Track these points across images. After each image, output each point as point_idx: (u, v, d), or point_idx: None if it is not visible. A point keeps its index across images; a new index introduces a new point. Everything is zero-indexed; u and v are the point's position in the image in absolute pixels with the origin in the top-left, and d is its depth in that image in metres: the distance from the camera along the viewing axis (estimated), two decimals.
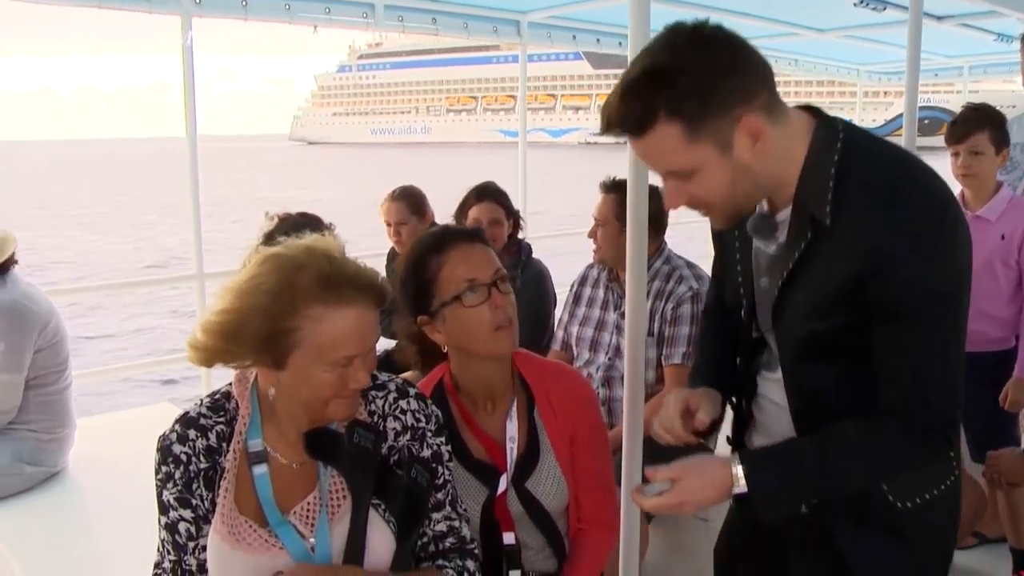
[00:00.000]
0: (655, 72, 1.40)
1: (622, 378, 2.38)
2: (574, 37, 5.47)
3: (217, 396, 1.77)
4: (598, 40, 5.56)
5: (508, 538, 2.00)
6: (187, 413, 1.74)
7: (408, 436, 1.77)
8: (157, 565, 1.71)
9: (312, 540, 1.66)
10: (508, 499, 2.01)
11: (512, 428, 2.04)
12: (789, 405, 1.67)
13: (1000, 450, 3.06)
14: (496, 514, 2.00)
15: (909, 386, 1.48)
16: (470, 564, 1.81)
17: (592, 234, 3.39)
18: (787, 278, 1.56)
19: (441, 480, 1.80)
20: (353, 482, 1.69)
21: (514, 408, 2.06)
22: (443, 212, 3.93)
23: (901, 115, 3.18)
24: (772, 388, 1.74)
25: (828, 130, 1.52)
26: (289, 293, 1.58)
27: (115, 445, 3.64)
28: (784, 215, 1.58)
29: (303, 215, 2.87)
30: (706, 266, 2.71)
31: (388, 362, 3.87)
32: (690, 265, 3.35)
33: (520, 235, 3.99)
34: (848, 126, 1.54)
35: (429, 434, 1.79)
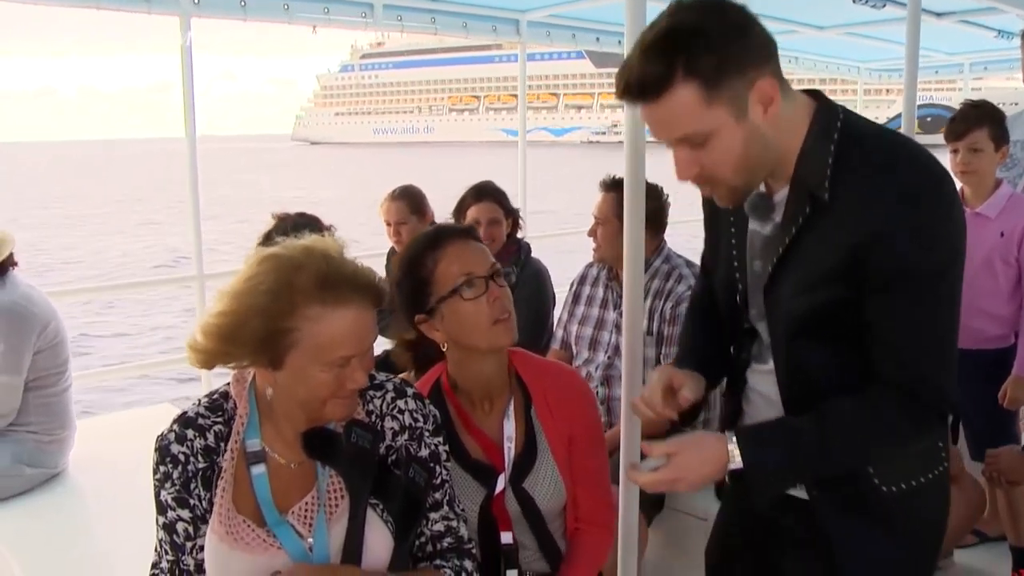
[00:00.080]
0: (672, 33, 1.42)
1: (621, 377, 2.38)
2: (573, 36, 5.47)
3: (215, 396, 1.77)
4: (597, 39, 5.55)
5: (506, 538, 2.00)
6: (185, 413, 1.74)
7: (406, 436, 1.77)
8: (155, 565, 1.71)
9: (310, 540, 1.66)
10: (506, 499, 2.01)
11: (509, 428, 2.05)
12: (780, 393, 1.68)
13: (999, 448, 3.05)
14: (494, 514, 2.00)
15: (906, 359, 1.50)
16: (468, 564, 1.80)
17: (592, 232, 3.39)
18: (783, 254, 1.57)
19: (439, 480, 1.80)
20: (351, 482, 1.69)
21: (511, 408, 2.07)
22: (445, 211, 3.93)
23: None
24: (761, 381, 1.74)
25: (829, 112, 1.56)
26: (287, 293, 1.58)
27: (115, 446, 3.64)
28: (781, 196, 1.60)
29: (302, 215, 2.88)
30: None
31: (387, 363, 3.87)
32: (690, 264, 3.34)
33: (519, 234, 3.99)
34: (847, 111, 1.57)
35: (427, 434, 1.80)
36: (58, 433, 3.38)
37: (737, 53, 1.43)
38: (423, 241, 2.03)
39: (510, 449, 2.03)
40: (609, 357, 3.35)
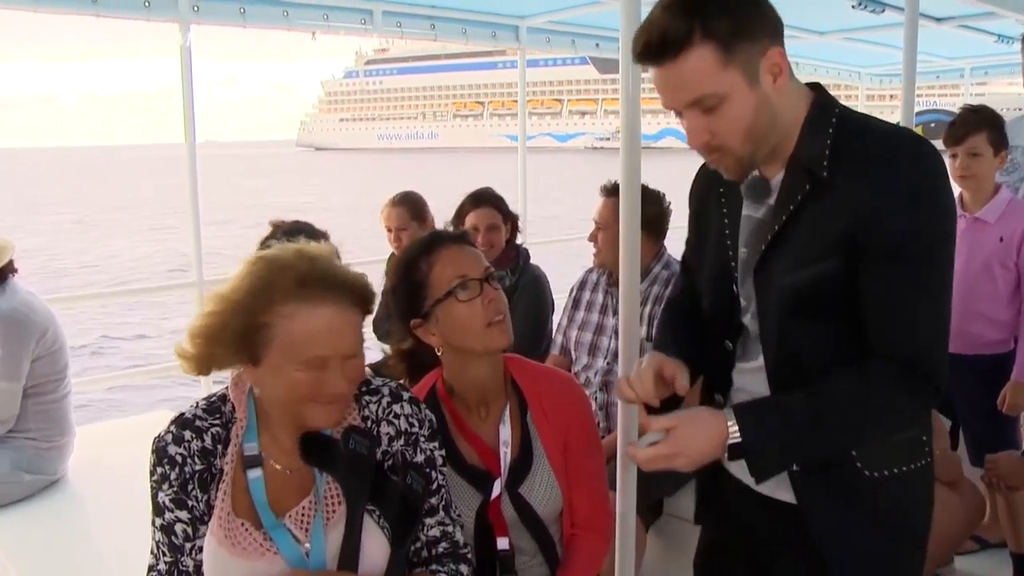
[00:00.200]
0: None
1: None
2: (573, 42, 5.48)
3: (213, 399, 1.77)
4: (597, 44, 5.56)
5: (502, 543, 2.00)
6: (183, 414, 1.74)
7: (401, 441, 1.77)
8: (151, 568, 1.69)
9: (307, 545, 1.66)
10: (502, 504, 2.01)
11: (505, 433, 2.05)
12: (769, 386, 1.68)
13: (999, 453, 3.05)
14: (490, 519, 2.00)
15: (903, 331, 1.52)
16: (464, 569, 1.80)
17: (592, 238, 3.40)
18: (779, 231, 1.60)
19: (435, 485, 1.80)
20: (348, 488, 1.69)
21: (507, 413, 2.07)
22: (448, 217, 3.94)
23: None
24: (748, 379, 1.73)
25: (826, 101, 1.63)
26: (266, 290, 1.60)
27: (114, 453, 3.64)
28: (776, 180, 1.64)
29: (296, 222, 2.89)
30: None
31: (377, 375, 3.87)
32: None
33: (518, 240, 3.99)
34: (843, 105, 1.64)
35: (422, 439, 1.79)
36: (57, 440, 3.38)
37: (751, 20, 1.50)
38: (418, 246, 2.05)
39: (506, 454, 2.03)
40: (608, 363, 3.35)
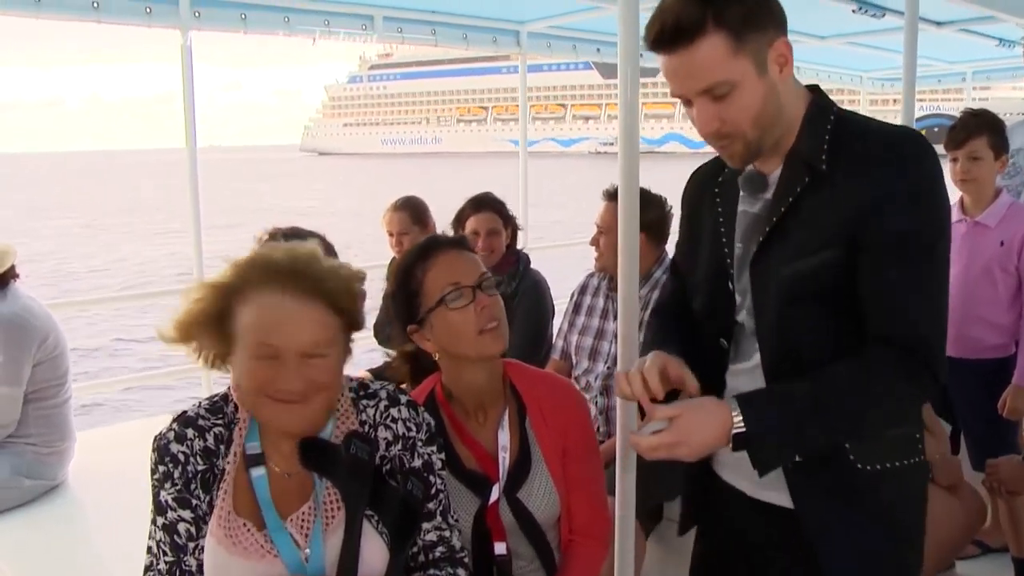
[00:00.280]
0: None
1: None
2: (574, 47, 5.48)
3: (216, 399, 1.76)
4: (598, 49, 5.56)
5: (499, 548, 2.00)
6: (185, 412, 1.73)
7: (399, 446, 1.76)
8: (149, 568, 1.67)
9: (307, 551, 1.65)
10: (500, 509, 2.01)
11: (504, 438, 2.04)
12: (766, 382, 1.68)
13: (999, 458, 3.04)
14: (488, 524, 1.99)
15: (903, 318, 1.54)
16: (461, 573, 1.79)
17: (594, 242, 3.40)
18: (776, 223, 1.63)
19: (433, 490, 1.79)
20: (348, 494, 1.68)
21: (506, 418, 2.06)
22: (450, 222, 3.94)
23: (917, 119, 3.19)
24: (741, 381, 1.73)
25: (824, 100, 1.68)
26: (237, 277, 1.62)
27: (115, 458, 3.64)
28: (774, 175, 1.68)
29: (292, 228, 2.90)
30: None
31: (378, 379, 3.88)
32: None
33: (518, 245, 3.99)
34: (839, 107, 1.69)
35: (420, 443, 1.78)
36: (57, 445, 3.39)
37: (760, 9, 1.55)
38: (414, 253, 2.05)
39: (505, 459, 2.03)
40: (609, 367, 3.34)
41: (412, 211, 4.19)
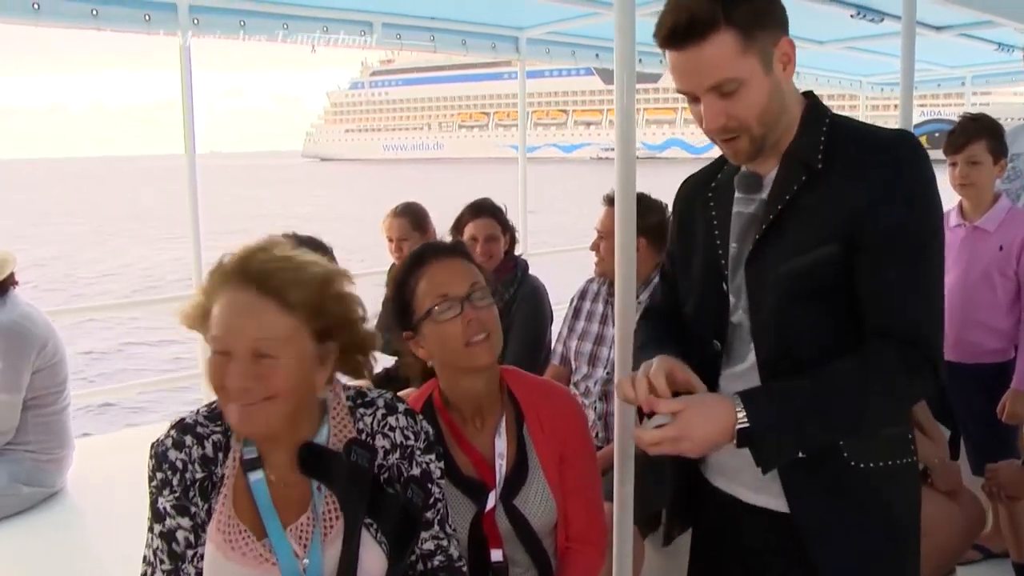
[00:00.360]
0: None
1: None
2: (573, 53, 5.48)
3: (214, 405, 1.73)
4: (597, 55, 5.56)
5: (496, 555, 1.99)
6: (183, 419, 1.72)
7: (397, 455, 1.75)
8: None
9: (305, 561, 1.64)
10: (496, 516, 2.00)
11: (501, 445, 2.04)
12: (762, 382, 1.68)
13: (999, 463, 3.04)
14: (484, 531, 1.99)
15: (902, 311, 1.56)
16: None
17: (595, 247, 3.39)
18: (773, 221, 1.64)
19: (431, 499, 1.78)
20: (347, 502, 1.67)
21: (503, 425, 2.06)
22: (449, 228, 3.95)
23: (916, 125, 3.19)
24: (735, 385, 1.71)
25: (819, 105, 1.73)
26: (213, 274, 1.64)
27: (113, 465, 3.64)
28: (769, 176, 1.70)
29: (297, 236, 2.90)
30: None
31: (388, 380, 3.87)
32: None
33: (517, 251, 3.99)
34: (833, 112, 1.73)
35: (418, 452, 1.77)
36: (56, 452, 3.38)
37: (768, 8, 1.59)
38: (409, 261, 2.06)
39: (502, 466, 2.03)
40: (608, 373, 3.34)
41: (412, 217, 4.20)
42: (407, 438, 1.76)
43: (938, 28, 4.97)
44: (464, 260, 2.04)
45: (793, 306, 1.63)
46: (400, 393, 2.47)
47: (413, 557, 1.76)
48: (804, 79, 6.93)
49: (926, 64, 6.68)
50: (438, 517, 1.79)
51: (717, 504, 1.86)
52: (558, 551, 2.09)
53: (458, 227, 3.80)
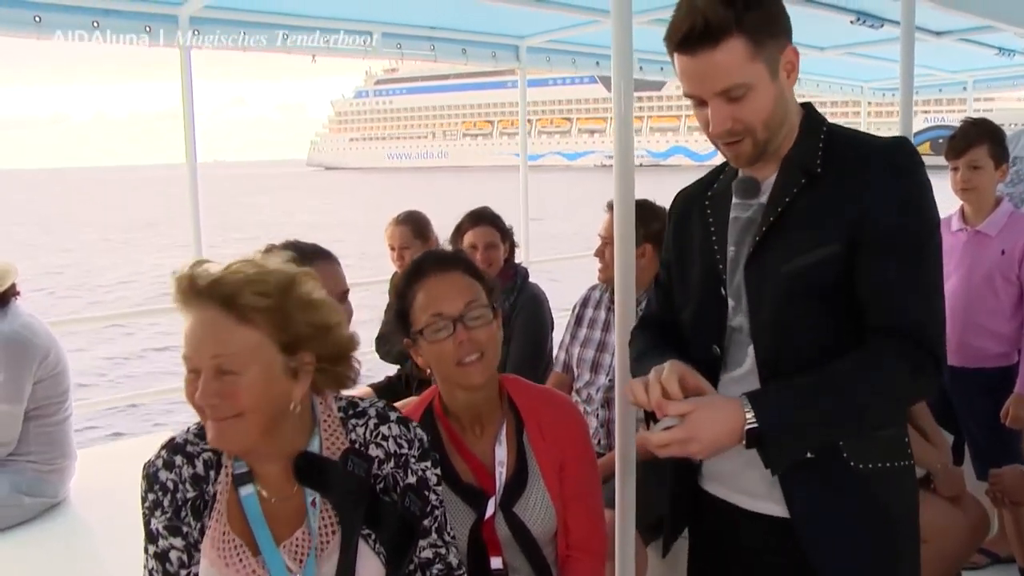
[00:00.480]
0: None
1: None
2: (574, 61, 5.49)
3: None
4: (597, 63, 5.57)
5: (495, 562, 1.99)
6: (173, 439, 1.72)
7: (392, 464, 1.73)
8: None
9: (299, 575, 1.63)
10: (496, 523, 2.00)
11: (501, 452, 2.04)
12: (761, 384, 1.68)
13: (1003, 468, 3.03)
14: (484, 538, 1.99)
15: (904, 308, 1.58)
16: None
17: (599, 253, 3.39)
18: (773, 223, 1.67)
19: (429, 507, 1.77)
20: (343, 513, 1.65)
21: (504, 432, 2.06)
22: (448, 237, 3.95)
23: (919, 132, 3.19)
24: (734, 390, 1.71)
25: (816, 114, 1.76)
26: (174, 293, 1.62)
27: (116, 475, 3.62)
28: (768, 182, 1.73)
29: (312, 245, 2.89)
30: None
31: (389, 388, 3.88)
32: None
33: (520, 258, 4.00)
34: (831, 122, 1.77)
35: (413, 460, 1.75)
36: (58, 462, 3.38)
37: (776, 16, 1.62)
38: (409, 271, 2.06)
39: (502, 474, 2.02)
40: (610, 380, 3.34)
41: (414, 225, 4.21)
42: (400, 447, 1.74)
43: (938, 33, 4.98)
44: (464, 274, 2.02)
45: (793, 306, 1.65)
46: (402, 402, 2.49)
47: (412, 566, 1.75)
48: (806, 85, 6.94)
49: (927, 69, 6.69)
50: (436, 525, 1.78)
51: (716, 510, 1.86)
52: (559, 559, 2.09)
53: (458, 235, 3.80)
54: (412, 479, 1.74)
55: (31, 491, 3.28)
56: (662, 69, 5.47)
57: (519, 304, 3.75)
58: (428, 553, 1.77)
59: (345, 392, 1.82)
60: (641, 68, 5.41)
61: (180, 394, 1.66)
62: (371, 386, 3.90)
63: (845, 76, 7.19)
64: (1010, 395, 3.26)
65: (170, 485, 1.66)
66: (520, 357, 3.60)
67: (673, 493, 1.97)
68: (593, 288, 3.59)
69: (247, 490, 1.67)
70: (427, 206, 4.49)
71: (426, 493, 1.76)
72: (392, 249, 4.22)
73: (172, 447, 1.70)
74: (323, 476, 1.67)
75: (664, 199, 3.23)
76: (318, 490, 1.67)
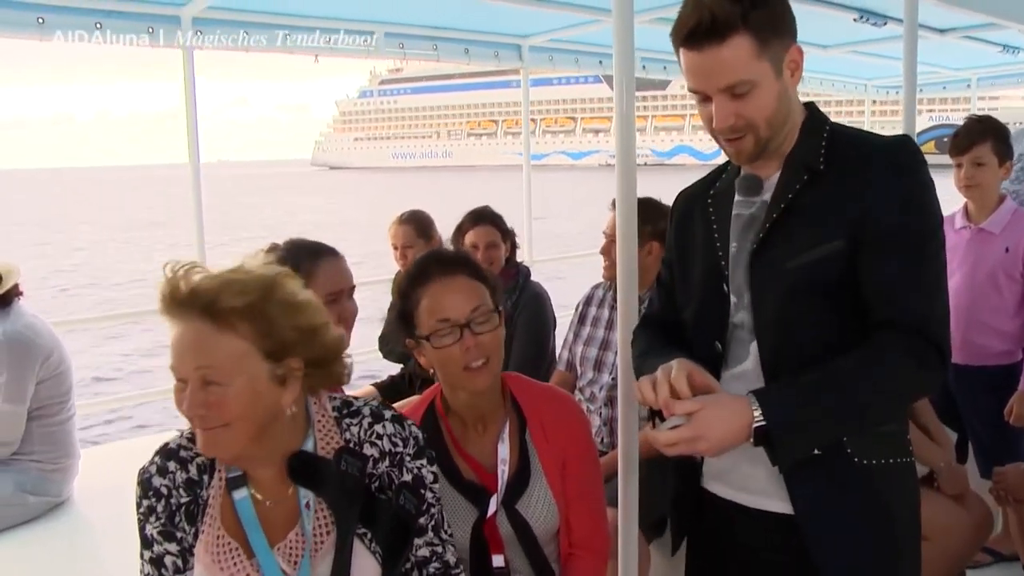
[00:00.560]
0: None
1: None
2: (576, 60, 5.49)
3: None
4: (600, 62, 5.57)
5: (497, 560, 1.99)
6: (167, 444, 1.72)
7: (386, 463, 1.72)
8: None
9: None
10: (498, 520, 2.00)
11: (504, 450, 2.04)
12: (765, 380, 1.69)
13: (1007, 466, 3.02)
14: (485, 535, 1.99)
15: (908, 302, 1.59)
16: None
17: (604, 251, 3.39)
18: (776, 219, 1.68)
19: (425, 505, 1.76)
20: (338, 512, 1.65)
21: (506, 430, 2.06)
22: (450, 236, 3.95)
23: (924, 131, 3.19)
24: (735, 387, 1.71)
25: (819, 113, 1.77)
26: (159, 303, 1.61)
27: (120, 475, 3.63)
28: (771, 180, 1.74)
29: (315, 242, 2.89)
30: None
31: (393, 387, 3.88)
32: None
33: (521, 257, 4.00)
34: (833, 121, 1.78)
35: (408, 458, 1.74)
36: (62, 462, 3.39)
37: (782, 15, 1.63)
38: (412, 272, 2.04)
39: (504, 472, 2.02)
40: (614, 378, 3.33)
41: (417, 224, 4.20)
42: (395, 445, 1.74)
43: (942, 31, 4.97)
44: (469, 277, 2.00)
45: (796, 303, 1.65)
46: (404, 400, 2.49)
47: (408, 565, 1.74)
48: (810, 83, 6.93)
49: (931, 67, 6.67)
50: (432, 523, 1.77)
51: (714, 508, 1.86)
52: (561, 557, 2.09)
53: (458, 235, 3.80)
54: (407, 477, 1.73)
55: (35, 490, 3.29)
56: (665, 68, 5.47)
57: (521, 303, 3.75)
58: (425, 551, 1.76)
59: (349, 392, 1.81)
60: (644, 67, 5.41)
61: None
62: (374, 385, 3.90)
63: (848, 74, 7.18)
64: (1014, 393, 3.26)
65: (164, 491, 1.66)
66: (523, 356, 3.60)
67: (677, 492, 1.97)
68: (597, 286, 3.58)
69: (241, 494, 1.67)
70: (431, 205, 4.48)
71: (422, 491, 1.75)
72: (395, 248, 4.22)
73: (166, 453, 1.70)
74: (317, 475, 1.66)
75: (668, 198, 3.22)
76: (312, 489, 1.67)
